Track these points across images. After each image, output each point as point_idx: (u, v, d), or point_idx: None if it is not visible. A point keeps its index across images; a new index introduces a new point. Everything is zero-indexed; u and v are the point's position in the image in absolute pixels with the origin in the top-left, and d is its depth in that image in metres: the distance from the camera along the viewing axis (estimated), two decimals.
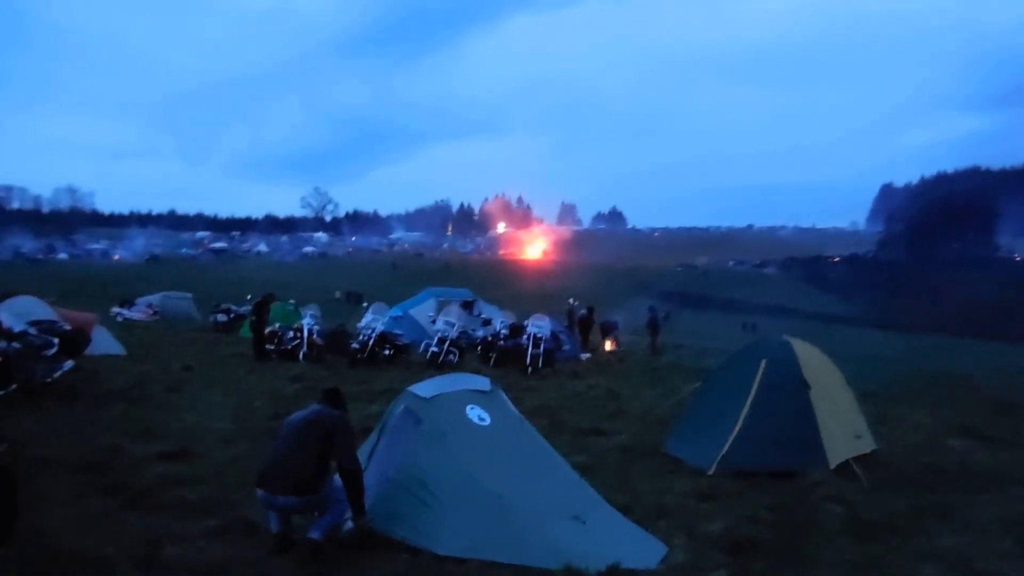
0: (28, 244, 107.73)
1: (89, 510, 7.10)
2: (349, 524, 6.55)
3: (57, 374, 12.44)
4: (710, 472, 9.31)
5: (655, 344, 30.39)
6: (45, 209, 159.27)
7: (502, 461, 6.94)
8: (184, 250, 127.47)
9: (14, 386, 11.53)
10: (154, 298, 37.84)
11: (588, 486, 7.49)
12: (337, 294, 61.89)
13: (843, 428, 10.13)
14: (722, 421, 9.93)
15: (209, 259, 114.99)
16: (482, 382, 7.85)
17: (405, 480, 6.72)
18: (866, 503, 8.20)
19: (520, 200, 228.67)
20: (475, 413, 7.18)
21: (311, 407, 6.63)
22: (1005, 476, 9.91)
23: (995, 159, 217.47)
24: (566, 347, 24.25)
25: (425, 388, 7.39)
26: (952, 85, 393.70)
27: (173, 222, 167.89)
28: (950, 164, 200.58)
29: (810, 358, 10.71)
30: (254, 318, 21.28)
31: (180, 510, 7.26)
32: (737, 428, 9.67)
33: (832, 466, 9.29)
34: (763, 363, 10.29)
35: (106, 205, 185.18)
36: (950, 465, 10.42)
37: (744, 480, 8.97)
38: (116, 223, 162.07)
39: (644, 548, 6.65)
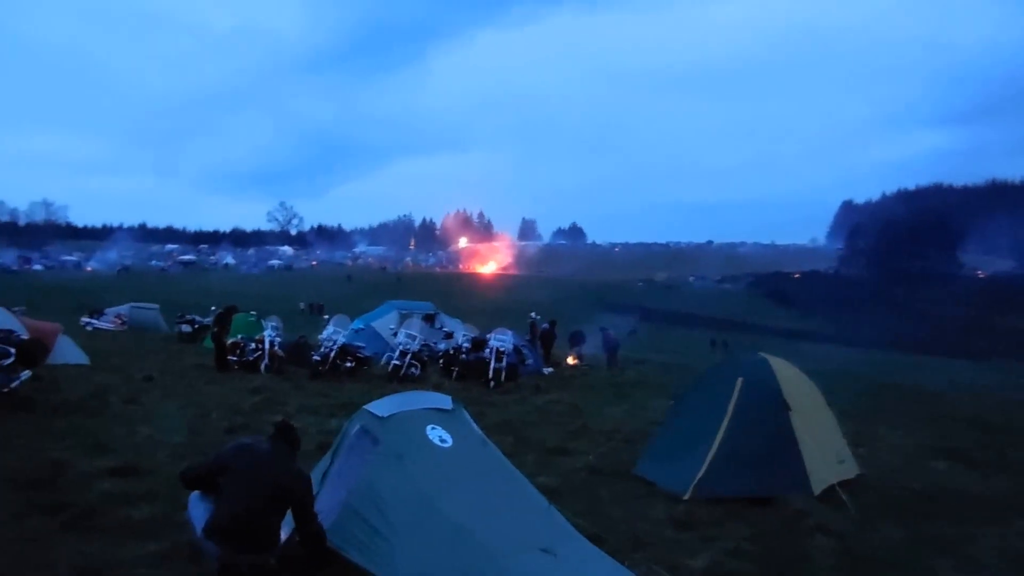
0: (6, 256, 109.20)
1: (27, 531, 6.70)
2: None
3: (14, 384, 12.11)
4: (685, 497, 8.82)
5: (613, 362, 30.40)
6: (21, 222, 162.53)
7: (464, 486, 6.37)
8: (154, 262, 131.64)
9: None
10: (122, 308, 38.09)
11: (557, 513, 6.83)
12: (301, 305, 62.17)
13: (826, 451, 9.68)
14: (697, 443, 9.48)
15: (178, 271, 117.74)
16: (443, 400, 7.31)
17: (359, 505, 6.14)
18: (858, 534, 7.80)
19: (481, 215, 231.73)
20: (436, 434, 6.65)
21: (265, 449, 5.93)
22: (1001, 504, 9.56)
23: (958, 176, 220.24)
24: (529, 361, 24.05)
25: (382, 406, 6.87)
26: (916, 102, 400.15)
27: (144, 235, 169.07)
28: (912, 181, 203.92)
29: (789, 377, 10.29)
30: (216, 329, 21.12)
31: (123, 532, 6.84)
32: (713, 450, 9.23)
33: (816, 492, 8.87)
34: (739, 382, 9.86)
35: (79, 218, 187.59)
36: (939, 491, 10.04)
37: (722, 506, 8.52)
38: (89, 236, 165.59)
39: None
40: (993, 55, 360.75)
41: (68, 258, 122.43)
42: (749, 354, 11.50)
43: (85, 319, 35.51)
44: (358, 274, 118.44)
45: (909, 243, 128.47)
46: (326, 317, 23.46)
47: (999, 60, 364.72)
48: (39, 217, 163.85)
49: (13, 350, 12.32)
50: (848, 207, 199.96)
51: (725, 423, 9.47)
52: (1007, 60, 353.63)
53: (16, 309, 20.61)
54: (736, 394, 9.74)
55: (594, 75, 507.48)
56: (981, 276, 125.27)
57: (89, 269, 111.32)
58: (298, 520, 5.86)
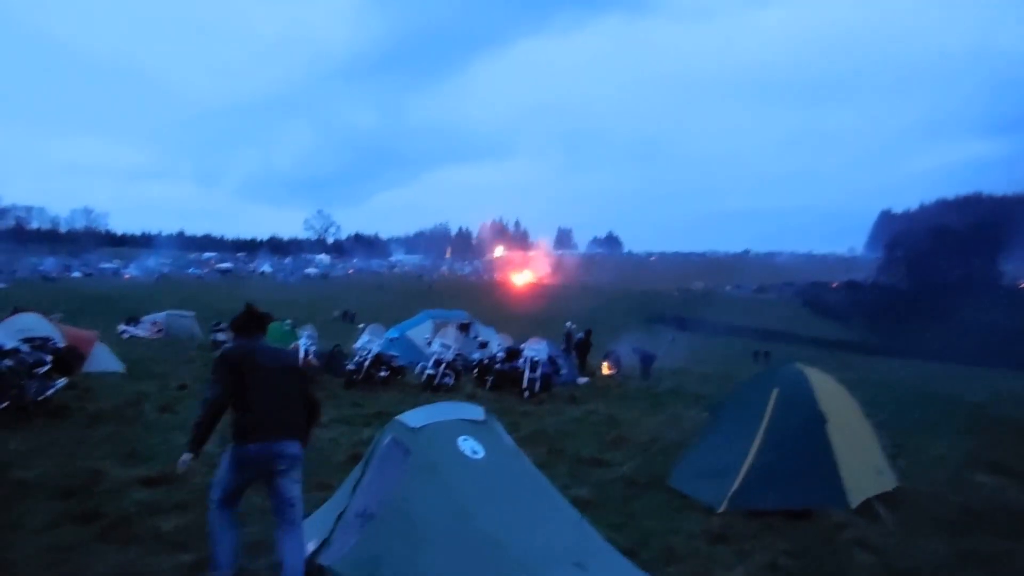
0: (47, 263, 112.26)
1: (61, 540, 6.77)
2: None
3: (50, 392, 12.27)
4: (720, 510, 8.73)
5: (648, 374, 30.31)
6: (62, 229, 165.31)
7: (497, 499, 6.29)
8: (192, 270, 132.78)
9: (6, 403, 11.40)
10: (159, 316, 38.38)
11: (590, 527, 6.74)
12: (335, 313, 62.67)
13: (863, 463, 9.57)
14: (732, 455, 9.41)
15: (215, 279, 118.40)
16: (475, 411, 7.18)
17: (389, 517, 6.12)
18: (898, 549, 7.65)
19: (517, 224, 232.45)
20: (468, 445, 6.54)
21: (257, 345, 6.23)
22: None
23: (999, 185, 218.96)
24: (563, 371, 23.90)
25: (414, 417, 6.77)
26: (958, 111, 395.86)
27: (182, 243, 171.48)
28: (952, 190, 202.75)
29: (826, 388, 10.17)
30: None
31: (155, 542, 6.89)
32: (748, 463, 9.15)
33: (853, 505, 8.74)
34: (775, 393, 9.80)
35: (119, 226, 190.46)
36: (983, 505, 9.81)
37: (758, 520, 8.40)
38: (128, 243, 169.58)
39: None
40: None
41: (107, 265, 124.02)
42: (785, 365, 11.37)
43: (122, 327, 35.92)
44: (393, 282, 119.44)
45: (949, 252, 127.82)
46: (361, 326, 23.47)
47: None
48: (80, 224, 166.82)
49: (49, 358, 12.51)
50: (887, 216, 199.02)
51: (760, 435, 9.40)
52: None
53: (53, 316, 20.90)
54: (771, 405, 9.67)
55: (634, 83, 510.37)
56: (1022, 286, 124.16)
57: (127, 276, 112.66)
58: (307, 396, 6.27)
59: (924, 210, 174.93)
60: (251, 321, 6.30)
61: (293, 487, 5.97)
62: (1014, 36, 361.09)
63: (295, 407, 6.09)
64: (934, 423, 18.35)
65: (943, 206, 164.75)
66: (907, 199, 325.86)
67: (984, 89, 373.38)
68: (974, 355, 67.49)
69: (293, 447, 5.94)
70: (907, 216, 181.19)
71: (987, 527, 8.77)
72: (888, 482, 9.94)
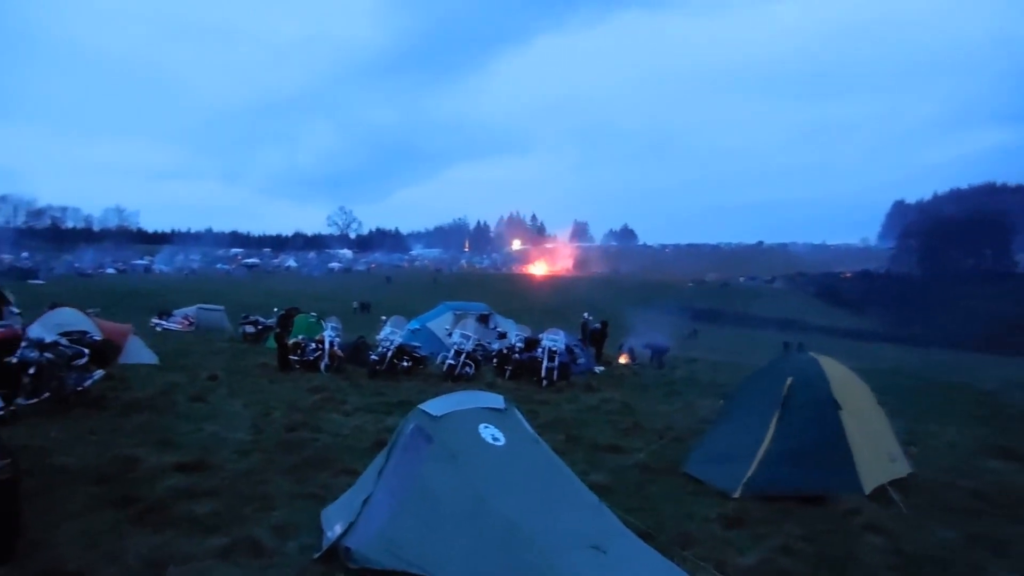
0: (83, 259, 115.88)
1: (97, 524, 6.98)
2: None
3: (87, 383, 12.73)
4: (735, 495, 8.82)
5: (660, 364, 30.69)
6: (96, 228, 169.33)
7: (517, 484, 6.38)
8: (220, 265, 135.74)
9: (46, 394, 11.86)
10: (190, 310, 38.70)
11: (608, 511, 6.80)
12: (354, 305, 63.01)
13: (876, 450, 9.63)
14: (746, 442, 9.51)
15: (242, 274, 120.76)
16: (496, 399, 7.31)
17: (413, 502, 6.28)
18: (909, 533, 7.71)
19: (534, 218, 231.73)
20: (488, 432, 6.66)
21: None
22: None
23: (1013, 175, 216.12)
24: (581, 360, 24.18)
25: (436, 406, 6.90)
26: (971, 101, 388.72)
27: (210, 239, 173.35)
28: (964, 181, 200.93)
29: (839, 376, 10.25)
30: (278, 330, 21.57)
31: (188, 526, 7.06)
32: (763, 449, 9.25)
33: (867, 491, 8.80)
34: (789, 381, 9.84)
35: (149, 224, 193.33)
36: (993, 490, 9.89)
37: (772, 505, 8.47)
38: (158, 240, 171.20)
39: None
40: None
41: (138, 262, 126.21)
42: (798, 354, 11.49)
43: (155, 320, 36.20)
44: (408, 276, 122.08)
45: (962, 241, 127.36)
46: (384, 318, 23.73)
47: None
48: (112, 223, 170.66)
49: (87, 351, 12.95)
50: (900, 207, 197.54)
51: (774, 422, 9.50)
52: None
53: (90, 311, 21.36)
54: (785, 393, 9.75)
55: (648, 78, 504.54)
56: None
57: (158, 272, 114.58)
58: None
59: (937, 200, 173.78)
60: None
61: None
62: None
63: None
64: (946, 410, 18.46)
65: (957, 196, 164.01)
66: (921, 190, 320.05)
67: (1000, 78, 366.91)
68: (984, 343, 67.39)
69: None
70: (920, 207, 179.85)
71: (997, 512, 8.89)
72: (901, 468, 10.04)
